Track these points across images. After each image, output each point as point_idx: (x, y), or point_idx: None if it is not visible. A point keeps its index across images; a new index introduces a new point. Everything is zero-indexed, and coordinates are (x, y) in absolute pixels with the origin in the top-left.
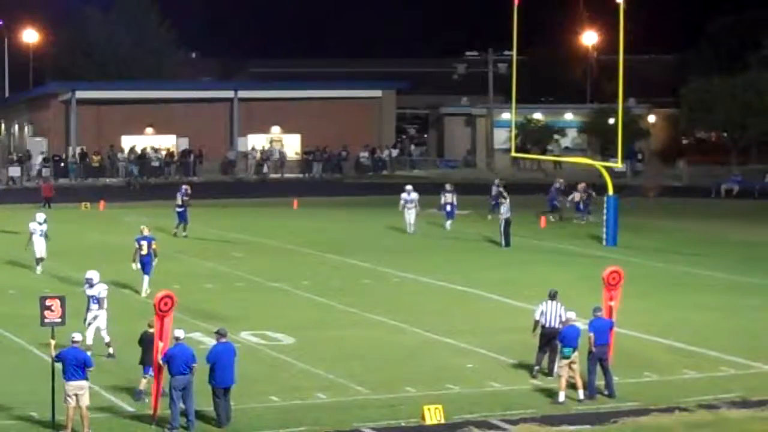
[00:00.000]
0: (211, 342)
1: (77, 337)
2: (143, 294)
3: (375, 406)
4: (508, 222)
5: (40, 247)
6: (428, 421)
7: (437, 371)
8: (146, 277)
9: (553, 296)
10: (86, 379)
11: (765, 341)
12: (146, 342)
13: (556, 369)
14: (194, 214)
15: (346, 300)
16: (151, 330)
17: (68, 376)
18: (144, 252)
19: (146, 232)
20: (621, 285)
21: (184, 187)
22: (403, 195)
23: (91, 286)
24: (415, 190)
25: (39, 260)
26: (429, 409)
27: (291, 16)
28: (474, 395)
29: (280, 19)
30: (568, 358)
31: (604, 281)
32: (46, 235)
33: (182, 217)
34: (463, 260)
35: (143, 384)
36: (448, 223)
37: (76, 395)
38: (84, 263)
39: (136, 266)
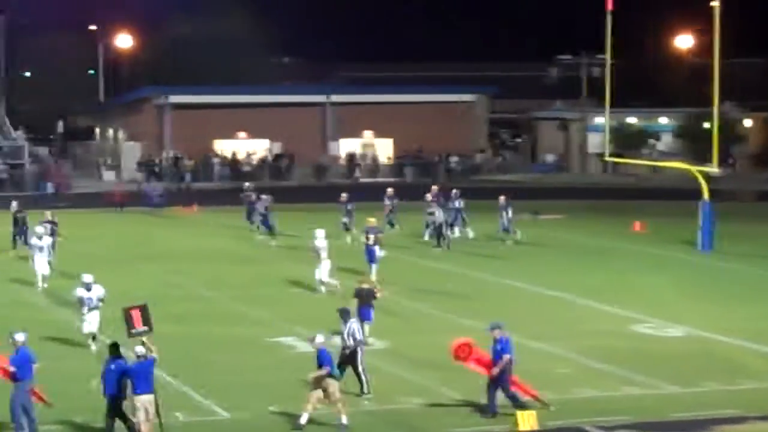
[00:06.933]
0: (303, 346)
1: (140, 351)
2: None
3: (467, 411)
4: (443, 224)
5: (40, 266)
6: (521, 428)
7: (528, 376)
8: (373, 266)
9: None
10: (154, 392)
11: None
12: (361, 295)
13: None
14: (285, 219)
15: (439, 305)
16: (365, 285)
17: (139, 389)
18: (371, 242)
19: (372, 224)
20: (473, 351)
21: (265, 196)
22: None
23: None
24: (510, 194)
25: (43, 278)
26: (522, 415)
27: (383, 19)
28: (566, 401)
29: (371, 23)
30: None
31: (455, 356)
32: (49, 251)
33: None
34: (554, 265)
35: (365, 330)
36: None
37: (146, 408)
38: (177, 267)
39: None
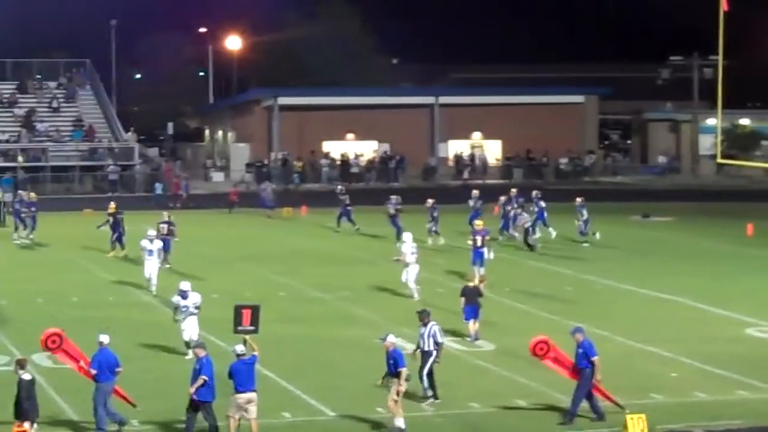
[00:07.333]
0: (411, 348)
1: (239, 349)
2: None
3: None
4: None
5: (151, 269)
6: (631, 431)
7: (641, 380)
8: (481, 269)
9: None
10: (255, 390)
11: None
12: (467, 294)
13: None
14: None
15: (548, 307)
16: (471, 284)
17: (241, 387)
18: (479, 245)
19: (480, 226)
20: (552, 351)
21: (394, 197)
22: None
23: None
24: (616, 196)
25: (152, 281)
26: (632, 418)
27: (493, 20)
28: (678, 405)
29: (480, 25)
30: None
31: (532, 353)
32: (158, 255)
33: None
34: (665, 268)
35: (473, 328)
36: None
37: (246, 408)
38: (285, 267)
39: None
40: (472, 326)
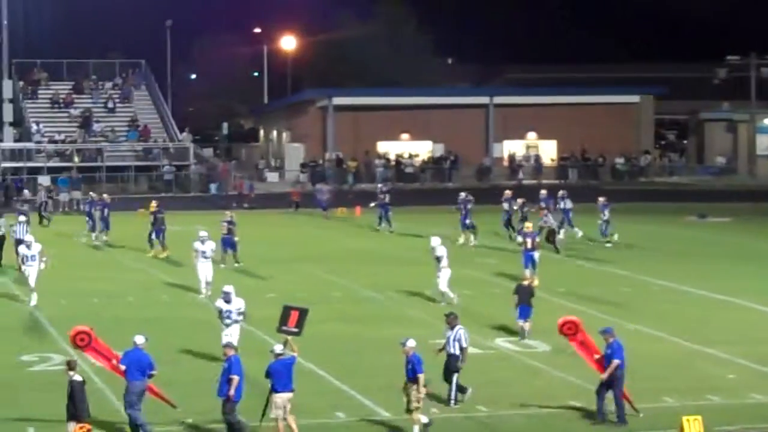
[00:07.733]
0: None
1: (278, 348)
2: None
3: (631, 416)
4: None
5: (204, 271)
6: None
7: (697, 381)
8: (534, 271)
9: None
10: (293, 390)
11: None
12: (520, 293)
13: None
14: (448, 221)
15: (602, 308)
16: (525, 283)
17: (279, 387)
18: (529, 247)
19: (530, 229)
20: (580, 334)
21: (463, 193)
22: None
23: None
24: (673, 197)
25: (207, 284)
26: (688, 420)
27: (549, 20)
28: (735, 407)
29: (534, 25)
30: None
31: (559, 332)
32: (212, 257)
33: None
34: (722, 268)
35: (525, 328)
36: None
37: (285, 407)
38: (338, 267)
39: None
40: (524, 325)
